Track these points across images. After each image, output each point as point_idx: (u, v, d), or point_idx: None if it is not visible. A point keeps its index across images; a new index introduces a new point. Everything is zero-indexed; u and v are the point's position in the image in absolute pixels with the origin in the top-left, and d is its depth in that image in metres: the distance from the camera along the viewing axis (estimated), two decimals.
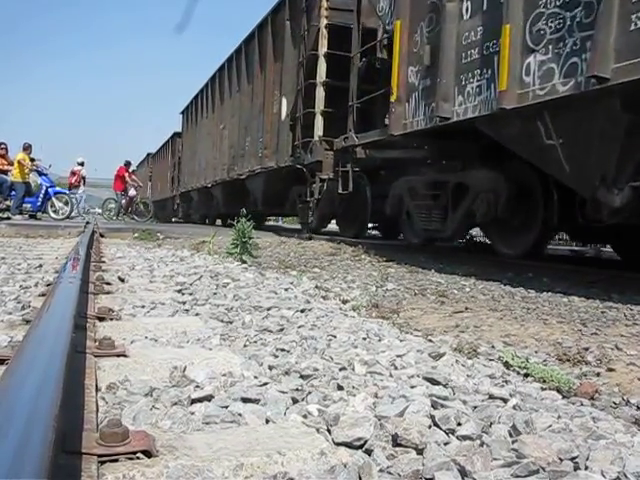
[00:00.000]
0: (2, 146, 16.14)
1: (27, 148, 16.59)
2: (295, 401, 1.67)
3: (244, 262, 6.13)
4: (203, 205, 20.74)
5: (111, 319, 2.73)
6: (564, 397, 1.91)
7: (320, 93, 9.78)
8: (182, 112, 24.76)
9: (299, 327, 2.72)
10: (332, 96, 9.65)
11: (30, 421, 1.03)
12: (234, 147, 15.67)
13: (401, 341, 2.51)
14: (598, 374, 2.28)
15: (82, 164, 21.26)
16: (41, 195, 16.85)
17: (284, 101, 11.56)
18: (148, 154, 35.52)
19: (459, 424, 1.49)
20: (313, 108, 9.88)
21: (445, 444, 1.38)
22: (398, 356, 2.17)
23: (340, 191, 8.64)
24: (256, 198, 14.39)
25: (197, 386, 1.77)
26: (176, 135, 26.08)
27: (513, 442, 1.38)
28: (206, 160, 18.96)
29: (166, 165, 27.77)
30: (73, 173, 20.85)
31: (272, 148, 12.46)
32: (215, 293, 3.72)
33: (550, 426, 1.49)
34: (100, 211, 28.57)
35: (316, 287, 4.37)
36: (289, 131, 11.30)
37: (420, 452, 1.34)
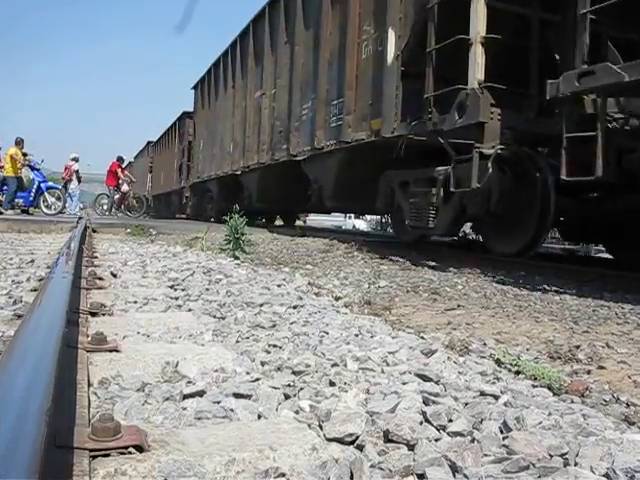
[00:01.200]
0: None
1: (19, 143, 16.53)
2: (287, 397, 1.67)
3: (237, 258, 6.13)
4: (225, 198, 15.99)
5: (103, 314, 2.73)
6: (555, 394, 1.92)
7: (479, 8, 5.56)
8: (194, 87, 20.32)
9: (291, 323, 2.72)
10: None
11: (22, 416, 1.03)
12: (281, 118, 11.37)
13: (393, 338, 2.52)
14: (589, 372, 2.29)
15: (75, 159, 21.18)
16: (33, 190, 16.81)
17: (391, 35, 7.19)
18: (148, 142, 31.85)
19: (450, 420, 1.50)
20: (465, 35, 5.64)
21: (436, 440, 1.39)
22: (390, 353, 2.18)
23: (565, 176, 4.61)
24: (321, 187, 9.82)
25: (189, 382, 1.77)
26: (185, 115, 22.06)
27: (504, 438, 1.38)
28: (233, 140, 14.78)
29: (171, 153, 24.31)
30: (66, 168, 20.80)
31: (362, 111, 8.06)
32: (208, 289, 3.71)
33: (540, 423, 1.50)
34: (82, 205, 26.94)
35: (309, 284, 4.37)
36: (399, 81, 6.99)
37: (411, 448, 1.34)
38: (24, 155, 16.60)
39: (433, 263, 6.29)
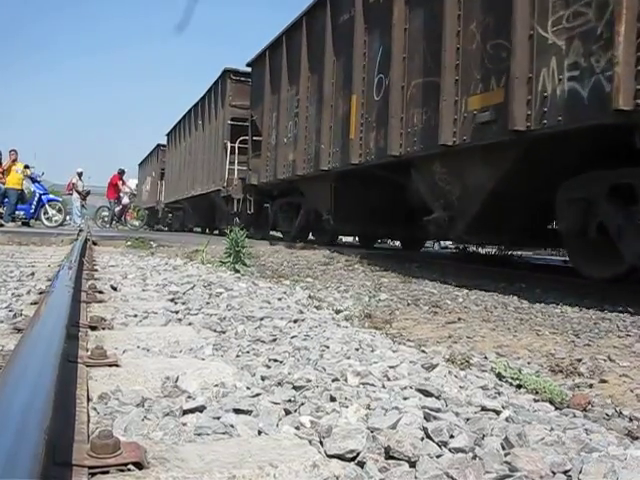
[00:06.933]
0: None
1: (12, 154, 16.57)
2: (288, 412, 1.66)
3: (237, 271, 6.12)
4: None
5: (103, 328, 2.72)
6: (557, 409, 1.91)
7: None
8: None
9: (292, 337, 2.71)
10: None
11: (21, 432, 1.02)
12: None
13: (394, 352, 2.51)
14: (591, 385, 2.28)
15: (79, 174, 21.37)
16: (34, 202, 16.84)
17: None
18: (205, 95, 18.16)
19: (452, 436, 1.49)
20: None
21: (438, 457, 1.38)
22: (391, 367, 2.17)
23: None
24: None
25: (189, 397, 1.76)
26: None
27: (506, 455, 1.38)
28: None
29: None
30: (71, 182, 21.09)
31: None
32: (208, 302, 3.71)
33: (543, 439, 1.49)
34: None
35: (309, 297, 4.36)
36: None
37: (413, 465, 1.33)
38: (26, 167, 16.65)
39: (433, 276, 6.28)
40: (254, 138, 13.33)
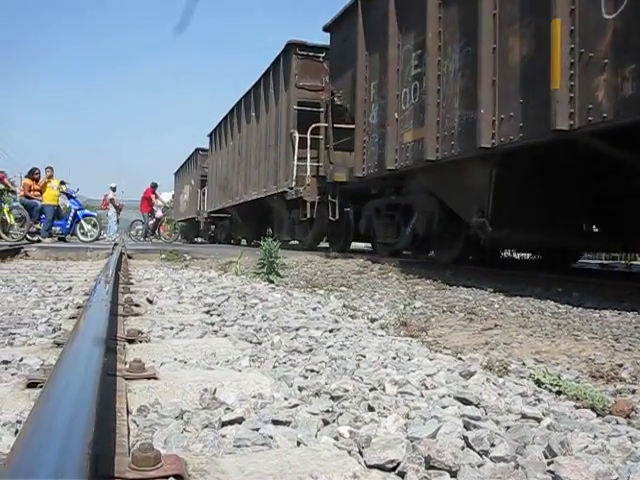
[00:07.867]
0: (36, 171, 16.55)
1: (50, 172, 16.95)
2: (326, 423, 1.66)
3: (271, 282, 6.14)
4: None
5: (140, 341, 2.75)
6: (599, 415, 1.87)
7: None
8: None
9: (328, 347, 2.71)
10: None
11: (66, 446, 1.04)
12: None
13: (431, 360, 2.49)
14: (633, 391, 2.23)
15: (113, 189, 21.85)
16: (70, 218, 17.13)
17: None
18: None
19: (492, 445, 1.47)
20: None
21: (479, 466, 1.36)
22: (428, 375, 2.15)
23: None
24: None
25: (227, 408, 1.77)
26: None
27: (549, 464, 1.35)
28: None
29: None
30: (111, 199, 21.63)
31: None
32: (243, 314, 3.72)
33: (586, 447, 1.46)
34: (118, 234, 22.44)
35: (344, 306, 4.35)
36: None
37: (454, 474, 1.32)
38: (61, 183, 16.96)
39: (468, 282, 6.23)
40: (336, 125, 10.55)
